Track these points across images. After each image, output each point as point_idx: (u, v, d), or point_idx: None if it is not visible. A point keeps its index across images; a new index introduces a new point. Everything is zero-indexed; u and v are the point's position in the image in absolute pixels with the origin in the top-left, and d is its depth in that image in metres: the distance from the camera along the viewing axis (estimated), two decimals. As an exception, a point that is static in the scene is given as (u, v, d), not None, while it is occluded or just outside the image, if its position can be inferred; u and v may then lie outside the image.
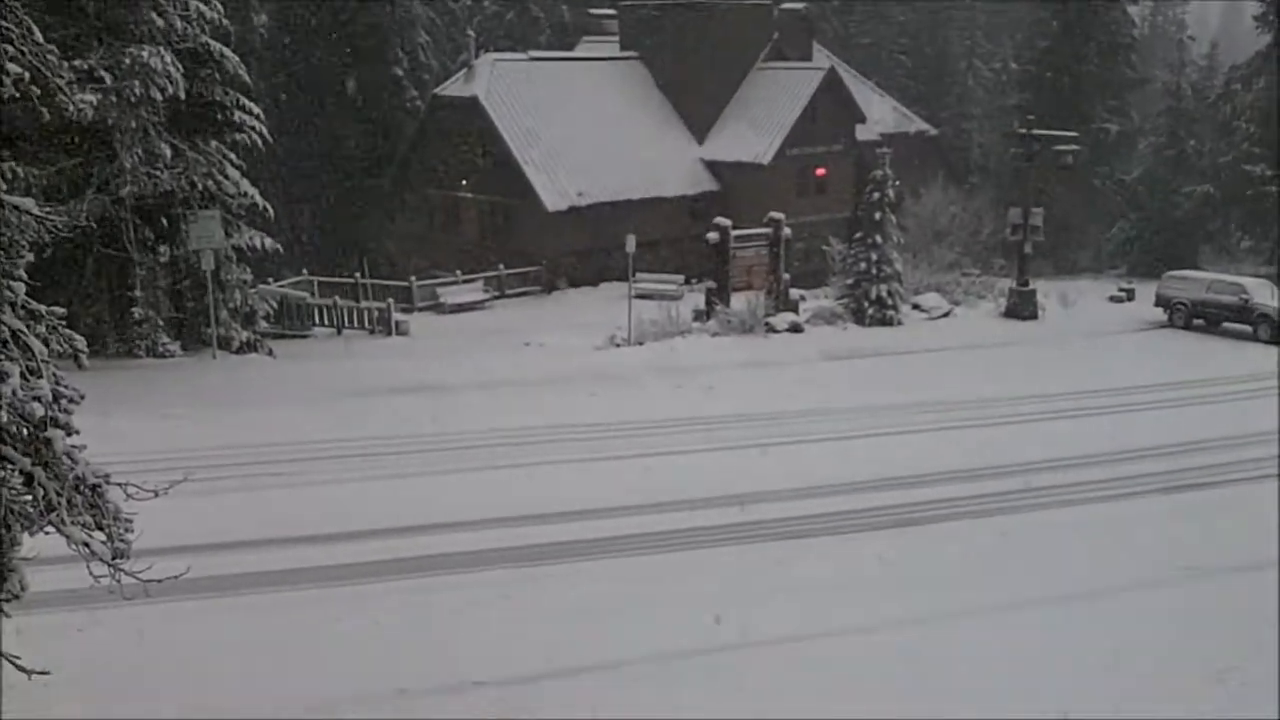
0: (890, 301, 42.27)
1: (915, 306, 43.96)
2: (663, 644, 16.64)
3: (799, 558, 20.43)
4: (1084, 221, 57.46)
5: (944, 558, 20.65)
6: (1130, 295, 48.13)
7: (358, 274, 47.29)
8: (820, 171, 55.33)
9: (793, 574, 19.64)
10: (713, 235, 41.54)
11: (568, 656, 16.20)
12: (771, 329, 39.74)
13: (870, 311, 42.02)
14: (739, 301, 40.86)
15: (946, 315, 44.09)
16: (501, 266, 49.40)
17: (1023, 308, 44.27)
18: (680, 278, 48.45)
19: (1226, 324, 42.34)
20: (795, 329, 40.26)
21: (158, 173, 31.95)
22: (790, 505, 22.90)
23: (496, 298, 48.36)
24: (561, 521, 21.65)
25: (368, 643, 16.67)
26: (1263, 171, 53.82)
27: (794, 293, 42.45)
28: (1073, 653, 16.98)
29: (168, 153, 32.00)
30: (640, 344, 37.84)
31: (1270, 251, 55.66)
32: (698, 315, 40.80)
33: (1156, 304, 44.61)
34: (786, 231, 42.11)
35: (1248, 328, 41.54)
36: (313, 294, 44.38)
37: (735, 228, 42.11)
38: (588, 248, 50.23)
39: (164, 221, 33.35)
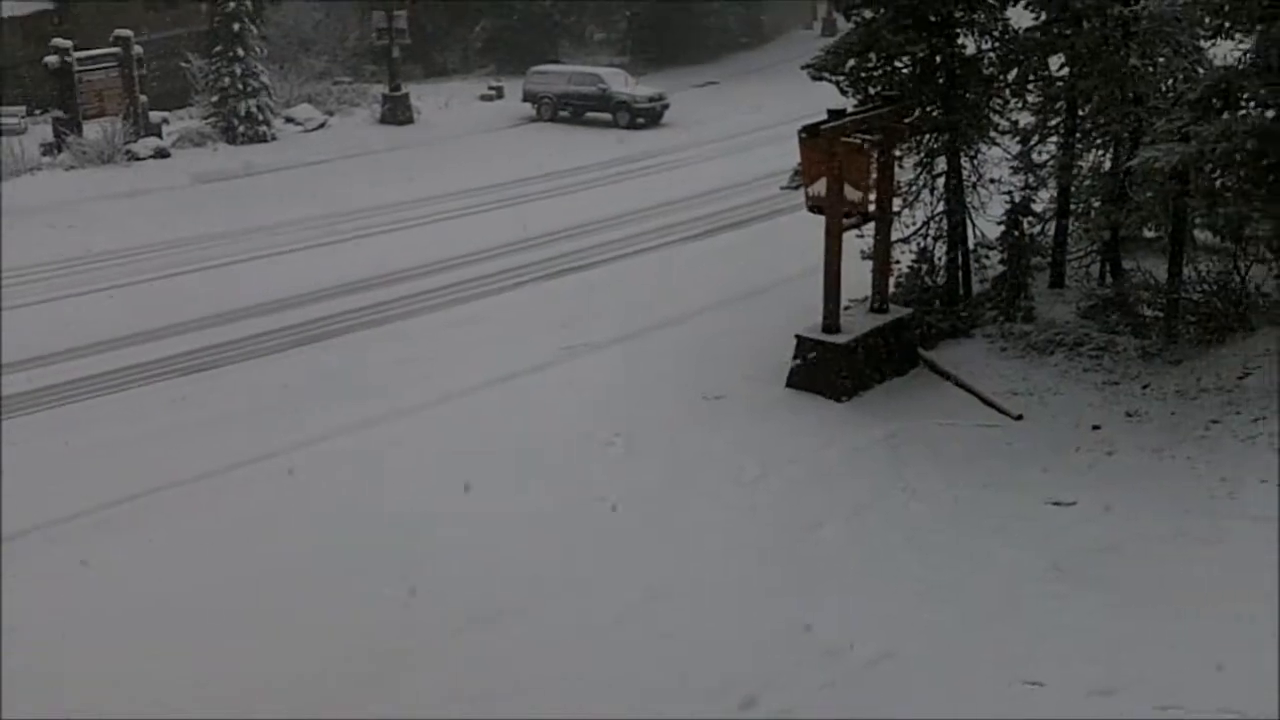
0: (261, 116, 40.54)
1: (289, 120, 42.40)
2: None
3: (210, 389, 19.47)
4: (449, 23, 57.58)
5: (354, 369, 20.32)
6: (500, 93, 49.03)
7: None
8: (168, -17, 51.37)
9: (206, 407, 18.60)
10: (52, 59, 37.62)
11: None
12: (134, 156, 36.91)
13: (241, 129, 40.10)
14: (94, 130, 37.48)
15: (322, 126, 42.95)
16: None
17: (397, 113, 44.01)
18: (21, 109, 43.51)
19: (590, 113, 44.26)
20: (161, 154, 37.68)
21: None
22: (200, 335, 21.84)
23: None
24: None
25: None
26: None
27: (155, 115, 39.70)
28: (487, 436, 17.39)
29: None
30: (-17, 187, 33.77)
31: (621, 42, 58.63)
32: (47, 149, 37.03)
33: (524, 99, 45.80)
34: (138, 50, 39.04)
35: (608, 115, 43.65)
36: None
37: (79, 49, 38.34)
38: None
39: None
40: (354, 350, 21.40)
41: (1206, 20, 17.50)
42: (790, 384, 18.94)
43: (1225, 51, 18.25)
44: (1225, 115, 16.92)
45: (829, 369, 18.66)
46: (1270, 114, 17.01)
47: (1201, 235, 19.87)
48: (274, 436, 17.41)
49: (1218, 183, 17.51)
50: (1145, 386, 18.19)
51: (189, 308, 23.20)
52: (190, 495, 15.84)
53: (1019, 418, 17.88)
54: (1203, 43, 19.10)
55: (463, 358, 20.59)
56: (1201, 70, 18.87)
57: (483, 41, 57.48)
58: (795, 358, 18.98)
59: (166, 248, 27.70)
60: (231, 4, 40.00)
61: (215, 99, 40.36)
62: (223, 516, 15.29)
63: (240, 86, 39.99)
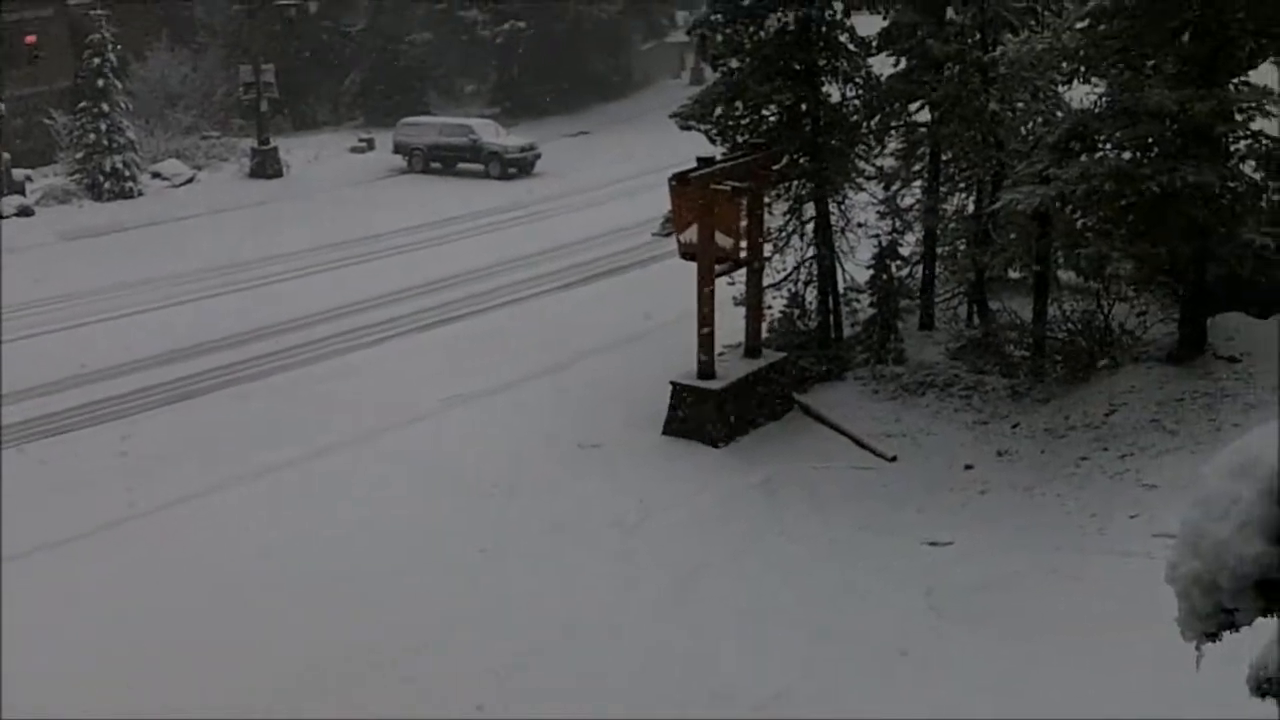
0: (128, 172, 39.73)
1: (156, 175, 41.64)
2: None
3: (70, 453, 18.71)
4: (318, 76, 57.12)
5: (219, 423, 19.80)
6: (371, 145, 48.61)
7: None
8: (30, 39, 50.08)
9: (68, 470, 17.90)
10: (-93, 116, 36.55)
11: None
12: (-5, 215, 35.94)
13: (107, 185, 39.24)
14: (-49, 188, 36.41)
15: (190, 181, 42.23)
16: None
17: (267, 167, 43.40)
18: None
19: (461, 164, 43.99)
20: (25, 212, 36.73)
21: None
22: (77, 393, 21.27)
23: None
24: None
25: None
26: (476, 16, 56.19)
27: (18, 172, 38.74)
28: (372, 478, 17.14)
29: None
30: None
31: (491, 93, 58.67)
32: (-98, 208, 35.84)
33: (395, 151, 45.42)
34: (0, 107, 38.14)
35: (480, 166, 43.43)
36: None
37: (-68, 105, 37.30)
38: None
39: None
40: (227, 406, 20.91)
41: (1063, 65, 18.02)
42: (666, 431, 18.89)
43: (1081, 95, 18.80)
44: (1084, 157, 17.40)
45: (704, 415, 18.66)
46: (1126, 155, 17.54)
47: (1065, 275, 20.33)
48: (146, 496, 16.86)
49: (1078, 223, 18.00)
50: (1015, 425, 18.49)
51: (61, 366, 22.45)
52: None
53: (893, 459, 18.06)
54: (1060, 87, 19.65)
55: (338, 412, 20.24)
56: (1059, 114, 19.40)
57: (352, 94, 57.11)
58: (671, 404, 18.94)
59: (32, 307, 26.80)
60: (96, 59, 39.28)
61: (80, 155, 39.48)
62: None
63: (106, 142, 39.17)
